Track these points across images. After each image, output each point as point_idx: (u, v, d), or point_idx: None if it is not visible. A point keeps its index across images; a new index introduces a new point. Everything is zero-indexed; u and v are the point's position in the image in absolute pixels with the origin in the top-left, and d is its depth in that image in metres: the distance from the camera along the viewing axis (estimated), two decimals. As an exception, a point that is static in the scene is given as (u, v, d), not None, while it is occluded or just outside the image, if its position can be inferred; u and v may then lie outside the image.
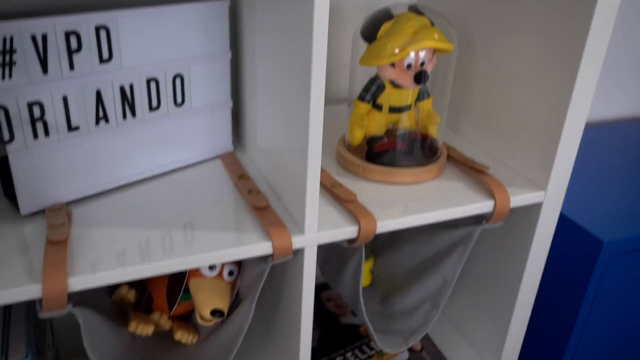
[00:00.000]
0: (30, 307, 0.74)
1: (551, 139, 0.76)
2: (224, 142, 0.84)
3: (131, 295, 0.81)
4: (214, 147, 0.83)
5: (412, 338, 0.86)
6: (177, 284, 0.76)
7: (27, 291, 0.56)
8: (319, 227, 0.67)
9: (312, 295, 0.70)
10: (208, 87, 0.79)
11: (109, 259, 0.60)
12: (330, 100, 1.09)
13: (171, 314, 0.79)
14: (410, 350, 0.96)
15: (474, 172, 0.81)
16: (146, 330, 0.79)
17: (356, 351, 0.95)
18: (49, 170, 0.66)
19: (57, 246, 0.60)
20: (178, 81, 0.76)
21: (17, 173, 0.64)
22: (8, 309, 0.73)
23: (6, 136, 0.61)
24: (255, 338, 0.95)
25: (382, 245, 1.00)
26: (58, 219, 0.64)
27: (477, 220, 0.79)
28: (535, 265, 0.84)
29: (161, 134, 0.76)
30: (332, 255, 0.87)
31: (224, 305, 0.73)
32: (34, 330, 0.72)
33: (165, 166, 0.78)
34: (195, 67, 0.76)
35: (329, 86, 1.09)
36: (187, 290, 0.76)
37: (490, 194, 0.76)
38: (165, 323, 0.82)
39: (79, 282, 0.57)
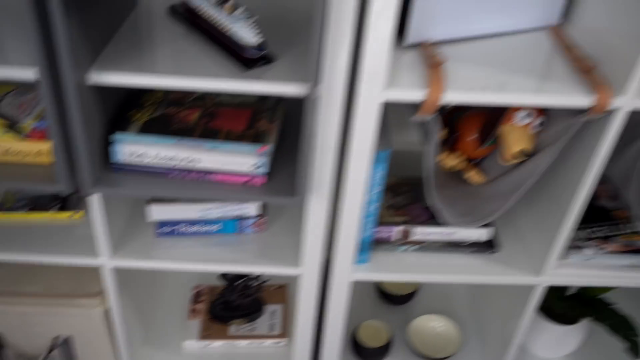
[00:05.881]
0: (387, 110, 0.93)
1: None
2: (554, 14, 0.91)
3: (442, 134, 0.98)
4: (546, 18, 0.91)
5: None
6: (490, 126, 0.90)
7: (414, 94, 0.74)
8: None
9: (608, 154, 0.80)
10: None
11: (468, 84, 0.76)
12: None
13: (480, 147, 0.93)
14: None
15: None
16: (451, 162, 0.96)
17: (605, 228, 1.02)
18: (432, 11, 0.82)
19: (436, 69, 0.77)
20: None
21: (415, 9, 0.80)
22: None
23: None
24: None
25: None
26: (433, 50, 0.81)
27: None
28: None
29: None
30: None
31: (530, 148, 0.86)
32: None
33: (506, 26, 0.90)
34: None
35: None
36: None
37: None
38: (461, 163, 0.98)
39: (449, 96, 0.75)
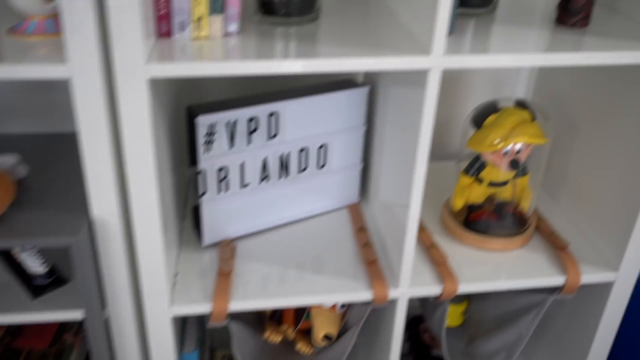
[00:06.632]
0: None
1: (629, 223, 0.82)
2: (352, 195, 1.00)
3: (268, 310, 1.01)
4: (344, 199, 0.99)
5: (488, 379, 0.97)
6: (303, 308, 0.94)
7: (201, 307, 0.76)
8: (411, 283, 0.81)
9: (401, 335, 0.85)
10: (345, 153, 0.94)
11: (256, 290, 0.79)
12: (442, 155, 1.18)
13: (296, 329, 0.97)
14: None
15: (555, 248, 0.88)
16: (276, 338, 0.98)
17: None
18: (225, 214, 0.87)
19: (225, 277, 0.80)
20: (322, 150, 0.92)
21: (204, 217, 0.85)
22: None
23: (201, 190, 0.82)
24: (359, 356, 1.11)
25: (476, 293, 1.10)
26: (227, 253, 0.85)
27: (552, 290, 0.87)
28: (605, 338, 0.90)
29: (305, 189, 0.93)
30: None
31: (334, 331, 0.90)
32: (198, 326, 0.94)
33: (305, 213, 0.96)
34: (337, 139, 0.92)
35: (443, 140, 1.18)
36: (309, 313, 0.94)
37: (564, 271, 0.84)
38: (291, 334, 1.00)
39: (235, 305, 0.77)
